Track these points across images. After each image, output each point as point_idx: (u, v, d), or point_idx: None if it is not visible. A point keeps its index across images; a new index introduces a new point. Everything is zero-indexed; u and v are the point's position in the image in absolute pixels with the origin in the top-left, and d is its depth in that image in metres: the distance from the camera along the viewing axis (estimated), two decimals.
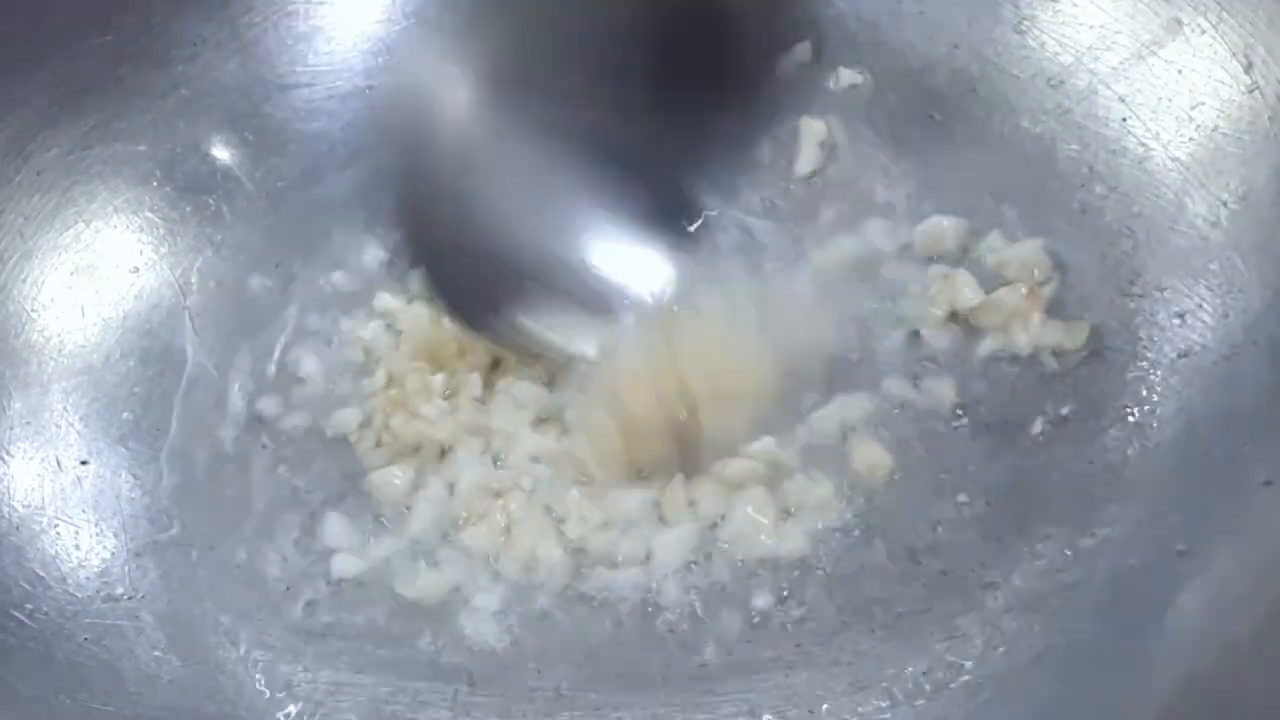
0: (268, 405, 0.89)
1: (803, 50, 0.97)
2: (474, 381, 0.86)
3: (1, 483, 0.84)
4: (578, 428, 0.83)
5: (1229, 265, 0.83)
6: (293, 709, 0.77)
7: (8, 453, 0.85)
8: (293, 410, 0.89)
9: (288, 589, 0.82)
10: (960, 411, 0.82)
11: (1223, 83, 0.86)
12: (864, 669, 0.75)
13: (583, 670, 0.77)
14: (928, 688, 0.74)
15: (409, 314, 0.90)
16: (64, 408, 0.87)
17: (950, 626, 0.76)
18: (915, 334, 0.85)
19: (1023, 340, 0.84)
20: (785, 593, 0.78)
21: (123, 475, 0.86)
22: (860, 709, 0.74)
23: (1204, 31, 0.87)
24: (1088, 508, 0.79)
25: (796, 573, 0.78)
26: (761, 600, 0.78)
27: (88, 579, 0.82)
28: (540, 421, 0.85)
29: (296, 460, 0.87)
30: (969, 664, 0.74)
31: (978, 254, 0.87)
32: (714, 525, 0.80)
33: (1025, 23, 0.93)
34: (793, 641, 0.76)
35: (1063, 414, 0.82)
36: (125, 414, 0.88)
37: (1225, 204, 0.84)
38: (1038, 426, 0.82)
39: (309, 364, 0.90)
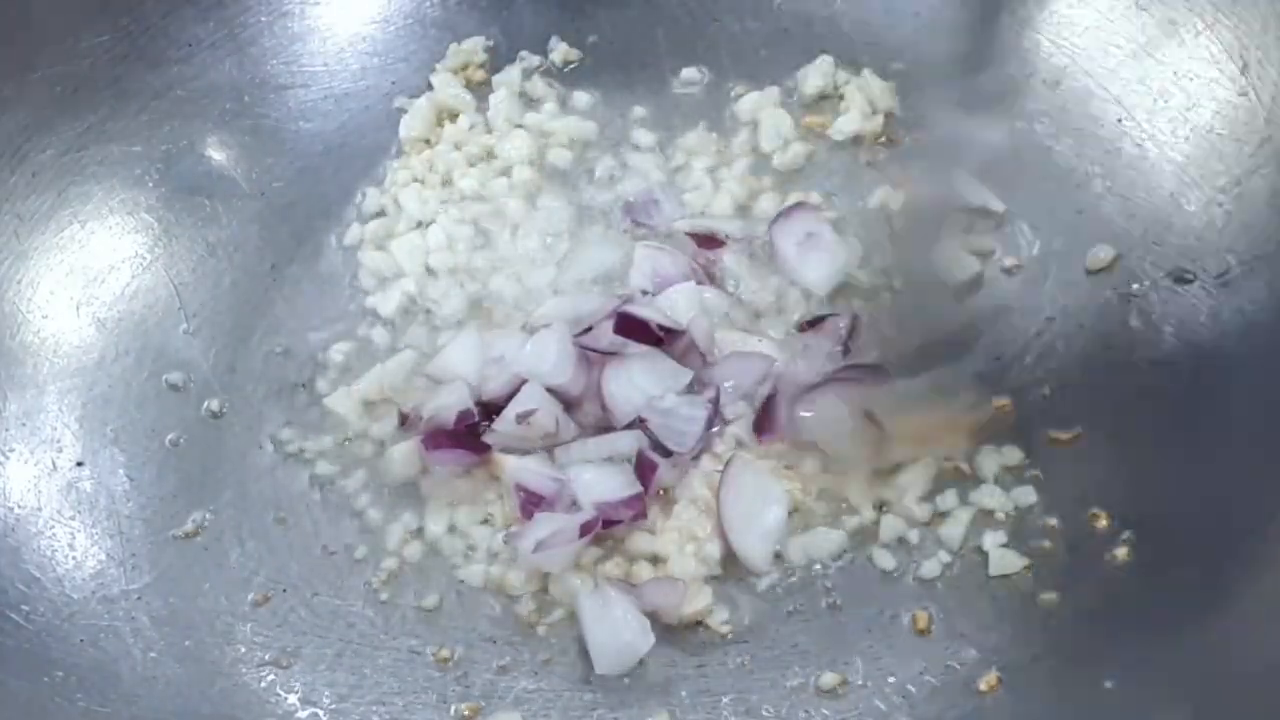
0: (266, 408, 0.88)
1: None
2: None
3: None
4: None
5: (1224, 266, 0.83)
6: (289, 709, 0.77)
7: (4, 454, 0.84)
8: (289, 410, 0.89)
9: (285, 590, 0.81)
10: None
11: (1217, 84, 0.86)
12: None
13: None
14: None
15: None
16: (59, 409, 0.87)
17: None
18: None
19: None
20: None
21: (118, 476, 0.86)
22: None
23: (1199, 34, 0.87)
24: (1082, 509, 0.79)
25: None
26: None
27: (84, 580, 0.81)
28: None
29: (294, 460, 0.87)
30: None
31: None
32: None
33: (1021, 24, 0.93)
34: None
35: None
36: (120, 415, 0.88)
37: (1221, 205, 0.84)
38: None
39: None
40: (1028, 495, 0.80)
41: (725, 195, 0.93)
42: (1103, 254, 0.86)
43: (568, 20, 1.01)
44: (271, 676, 0.78)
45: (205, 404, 0.88)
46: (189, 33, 0.96)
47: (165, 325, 0.91)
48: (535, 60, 1.00)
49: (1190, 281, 0.84)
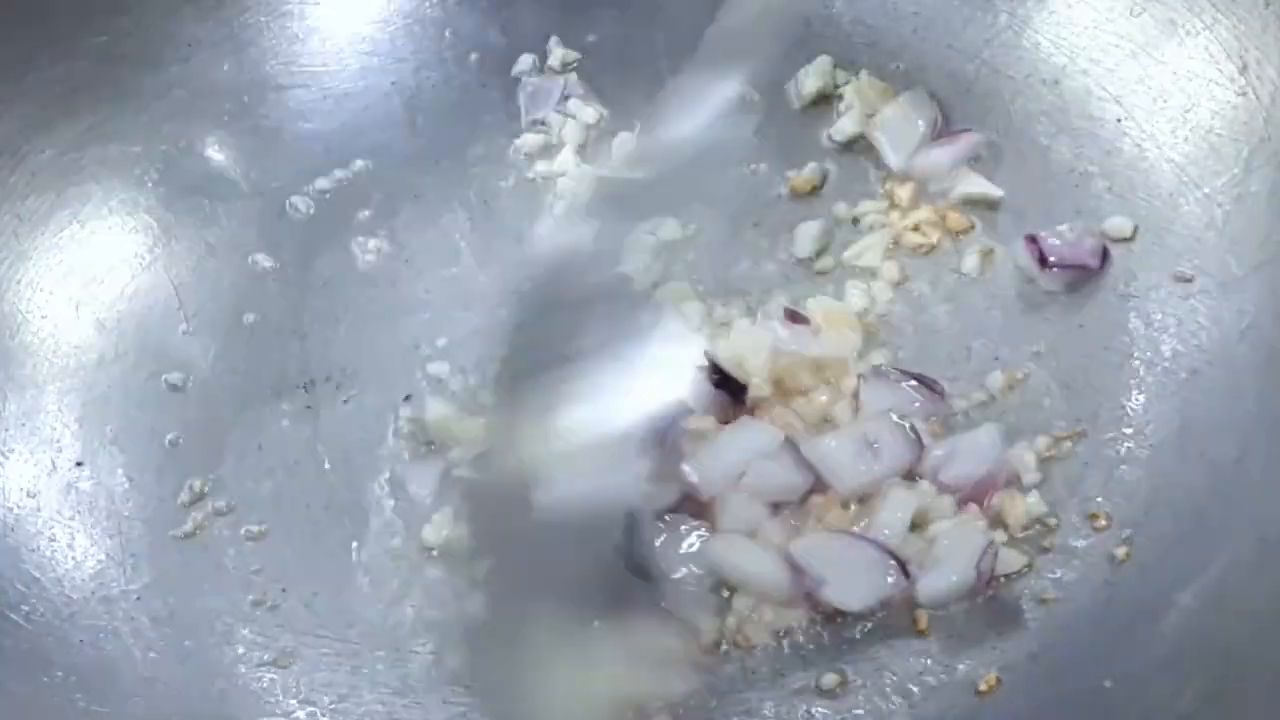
0: (266, 409, 0.88)
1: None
2: None
3: None
4: None
5: (1223, 267, 0.83)
6: (288, 709, 0.77)
7: (4, 454, 0.84)
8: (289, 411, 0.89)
9: (284, 590, 0.82)
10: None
11: (1217, 84, 0.86)
12: None
13: None
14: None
15: None
16: (59, 409, 0.87)
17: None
18: None
19: None
20: None
21: (117, 476, 0.86)
22: None
23: (1198, 34, 0.87)
24: (1082, 509, 0.79)
25: None
26: None
27: (83, 580, 0.81)
28: None
29: (292, 462, 0.87)
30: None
31: None
32: None
33: (1020, 24, 0.93)
34: None
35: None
36: (120, 415, 0.88)
37: (1220, 205, 0.84)
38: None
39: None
40: (1036, 505, 0.80)
41: None
42: None
43: (567, 20, 1.00)
44: (271, 676, 0.78)
45: (205, 404, 0.88)
46: (188, 33, 0.96)
47: (165, 325, 0.91)
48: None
49: (1190, 281, 0.84)
